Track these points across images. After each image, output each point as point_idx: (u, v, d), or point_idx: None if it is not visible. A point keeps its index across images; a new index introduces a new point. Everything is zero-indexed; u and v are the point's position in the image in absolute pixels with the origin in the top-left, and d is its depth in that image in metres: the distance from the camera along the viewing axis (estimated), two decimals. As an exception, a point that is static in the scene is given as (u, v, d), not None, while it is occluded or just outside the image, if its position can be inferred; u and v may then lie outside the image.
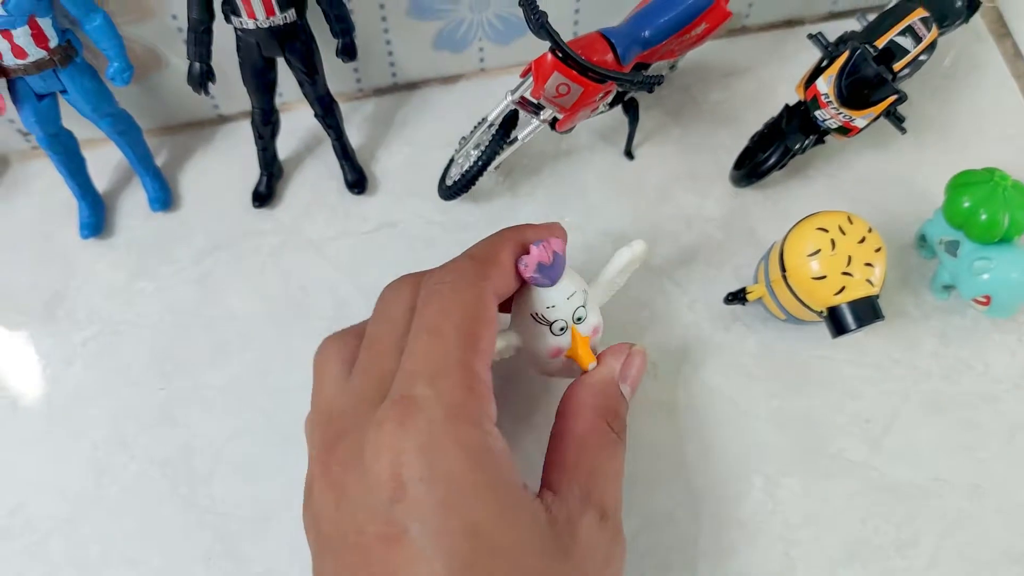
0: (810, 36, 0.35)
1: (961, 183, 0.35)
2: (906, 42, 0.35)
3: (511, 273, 0.32)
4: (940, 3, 0.36)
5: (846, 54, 0.34)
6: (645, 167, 0.40)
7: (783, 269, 0.33)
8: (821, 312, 0.33)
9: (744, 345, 0.35)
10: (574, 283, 0.33)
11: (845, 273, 0.32)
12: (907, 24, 0.35)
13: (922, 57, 0.36)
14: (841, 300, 0.32)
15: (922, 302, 0.36)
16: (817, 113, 0.35)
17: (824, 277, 0.32)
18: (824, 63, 0.35)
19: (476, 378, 0.28)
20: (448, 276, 0.31)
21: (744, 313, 0.36)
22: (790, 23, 0.43)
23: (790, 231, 0.33)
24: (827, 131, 0.36)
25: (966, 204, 0.34)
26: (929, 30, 0.35)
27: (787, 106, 0.36)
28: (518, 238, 0.33)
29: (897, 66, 0.35)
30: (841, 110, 0.34)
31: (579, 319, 0.33)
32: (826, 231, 0.32)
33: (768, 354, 0.35)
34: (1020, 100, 0.40)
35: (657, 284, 0.38)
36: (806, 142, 0.36)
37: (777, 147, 0.37)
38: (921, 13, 0.35)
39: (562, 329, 0.33)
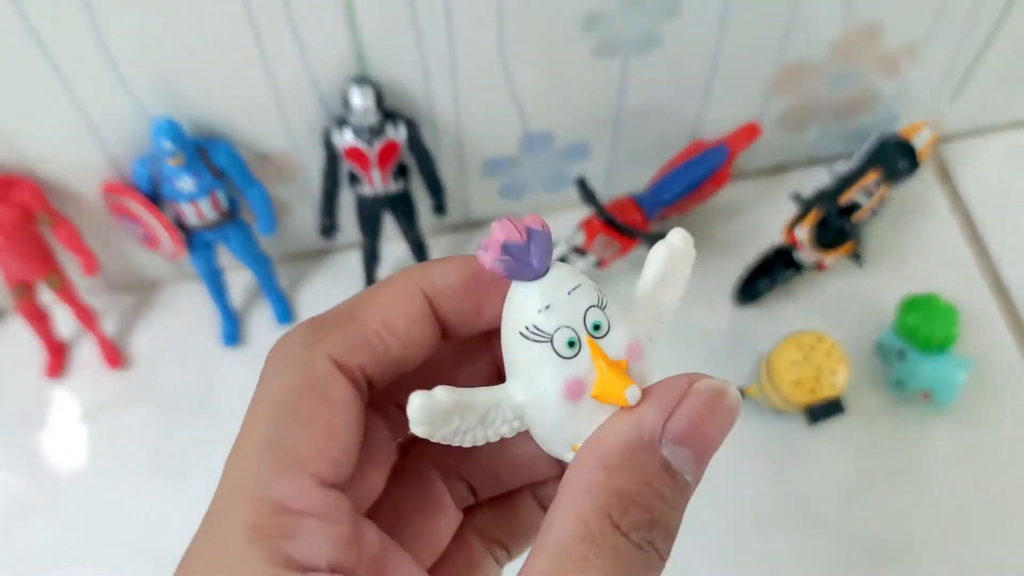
0: (791, 196, 0.46)
1: (908, 304, 0.46)
2: (864, 198, 0.46)
3: (400, 325, 0.22)
4: (890, 165, 0.47)
5: (817, 212, 0.45)
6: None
7: (770, 375, 0.43)
8: (799, 408, 0.43)
9: (742, 431, 0.46)
10: (578, 277, 0.22)
11: (816, 379, 0.43)
12: (864, 184, 0.46)
13: (876, 208, 0.47)
14: (813, 399, 0.43)
15: (881, 396, 0.47)
16: (795, 254, 0.46)
17: (799, 382, 0.43)
18: (801, 214, 0.46)
19: (272, 511, 0.19)
20: (275, 348, 0.22)
21: (744, 406, 0.47)
22: (778, 169, 0.54)
23: (775, 347, 0.44)
24: (804, 266, 0.47)
25: (911, 321, 0.45)
26: (879, 188, 0.47)
27: (775, 246, 0.47)
28: (413, 277, 0.23)
29: (856, 217, 0.46)
30: (814, 253, 0.45)
31: (596, 327, 0.22)
32: (801, 347, 0.43)
33: (760, 437, 0.46)
34: (958, 234, 0.51)
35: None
36: (788, 272, 0.47)
37: (769, 277, 0.47)
38: (874, 176, 0.46)
39: (572, 344, 0.22)
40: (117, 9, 0.35)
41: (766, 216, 0.51)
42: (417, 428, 0.21)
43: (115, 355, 0.48)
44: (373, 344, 0.22)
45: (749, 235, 0.51)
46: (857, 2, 0.43)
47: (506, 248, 0.22)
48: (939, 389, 0.44)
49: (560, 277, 0.22)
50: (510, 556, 0.26)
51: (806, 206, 0.45)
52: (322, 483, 0.20)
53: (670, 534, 0.20)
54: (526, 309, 0.22)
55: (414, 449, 0.25)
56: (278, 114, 0.41)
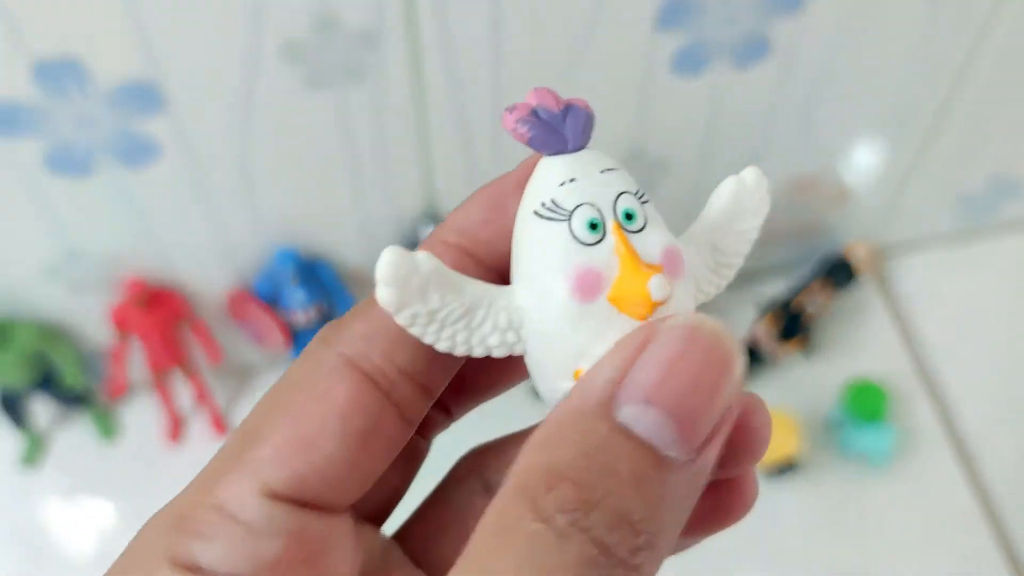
0: (754, 302, 0.59)
1: (850, 387, 0.58)
2: (813, 303, 0.59)
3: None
4: (833, 277, 0.60)
5: (775, 314, 0.58)
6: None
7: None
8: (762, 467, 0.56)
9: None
10: (618, 164, 0.19)
11: (774, 444, 0.55)
12: (812, 292, 0.59)
13: (823, 310, 0.60)
14: (772, 459, 0.55)
15: (829, 458, 0.59)
16: (758, 347, 0.59)
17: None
18: (762, 316, 0.59)
19: (203, 505, 0.18)
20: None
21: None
22: (745, 278, 0.67)
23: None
24: (765, 357, 0.59)
25: (852, 400, 0.57)
26: (825, 295, 0.60)
27: (743, 341, 0.60)
28: (437, 233, 0.20)
29: (806, 318, 0.59)
30: (773, 346, 0.58)
31: (629, 216, 0.18)
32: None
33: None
34: (890, 329, 0.64)
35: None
36: (752, 364, 0.60)
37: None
38: (820, 285, 0.60)
39: (594, 227, 0.17)
40: (265, 179, 0.49)
41: (735, 317, 0.64)
42: (383, 291, 0.17)
43: (223, 424, 0.60)
44: (393, 330, 0.18)
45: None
46: (802, 156, 0.57)
47: (536, 112, 0.18)
48: (874, 453, 0.57)
49: (595, 157, 0.18)
50: None
51: (766, 309, 0.58)
52: (268, 493, 0.17)
53: (626, 524, 0.15)
54: (546, 183, 0.18)
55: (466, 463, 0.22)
56: (367, 242, 0.54)
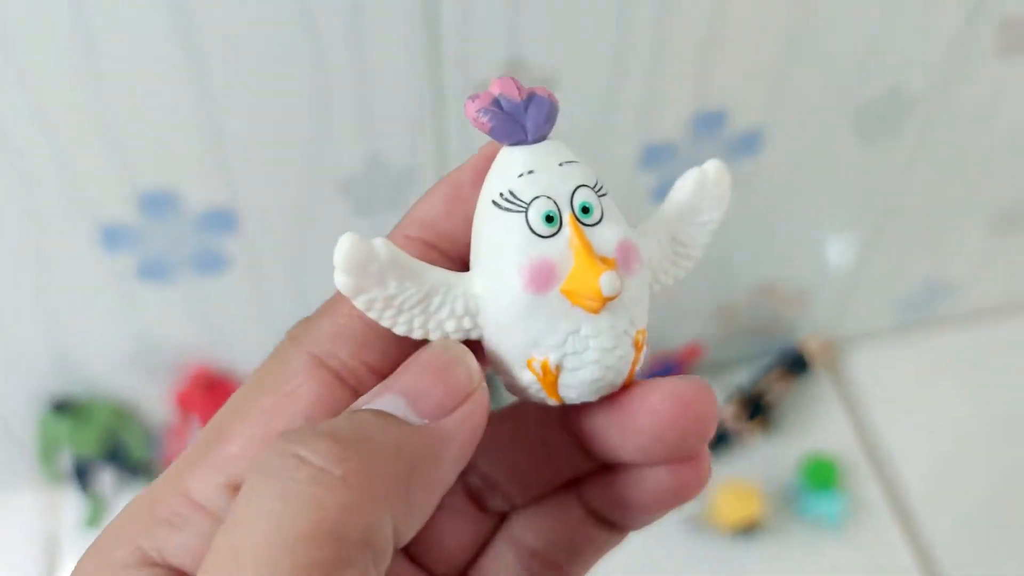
0: (723, 389, 0.69)
1: (806, 460, 0.68)
2: (772, 388, 0.69)
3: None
4: (789, 367, 0.70)
5: (739, 399, 0.68)
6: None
7: (712, 506, 0.65)
8: (730, 528, 0.65)
9: (685, 547, 0.67)
10: (577, 157, 0.19)
11: (742, 509, 0.64)
12: (771, 379, 0.69)
13: (782, 394, 0.70)
14: (737, 524, 0.64)
15: (789, 521, 0.68)
16: (724, 427, 0.69)
17: (731, 510, 0.64)
18: (727, 400, 0.69)
19: (173, 494, 0.18)
20: None
21: (696, 531, 0.68)
22: (713, 367, 0.76)
23: (715, 489, 0.66)
24: (730, 436, 0.69)
25: (809, 470, 0.67)
26: (782, 379, 0.70)
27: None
28: (400, 228, 0.20)
29: (766, 402, 0.69)
30: (737, 425, 0.68)
31: (585, 210, 0.18)
32: (733, 489, 0.65)
33: (700, 551, 0.67)
34: (840, 410, 0.74)
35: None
36: (719, 442, 0.70)
37: (712, 446, 0.69)
38: (779, 373, 0.70)
39: (550, 219, 0.18)
40: (318, 288, 0.58)
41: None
42: (340, 277, 0.18)
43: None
44: (357, 325, 0.19)
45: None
46: (762, 265, 0.67)
47: (498, 102, 0.18)
48: (827, 518, 0.66)
49: (555, 148, 0.18)
50: (563, 575, 0.22)
51: (731, 395, 0.68)
52: (235, 488, 0.18)
53: (328, 438, 0.16)
54: (505, 174, 0.18)
55: None
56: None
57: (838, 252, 0.68)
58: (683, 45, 0.49)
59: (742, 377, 0.71)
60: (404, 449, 0.17)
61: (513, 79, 0.18)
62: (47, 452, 0.63)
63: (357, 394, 0.19)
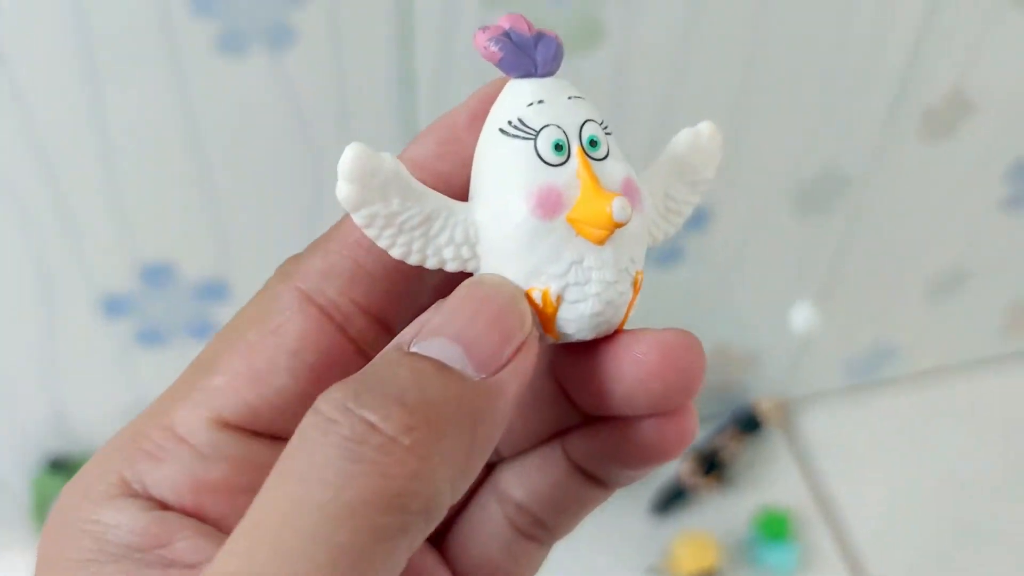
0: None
1: (760, 514, 0.72)
2: (727, 445, 0.74)
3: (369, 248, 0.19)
4: (743, 426, 0.75)
5: (695, 457, 0.72)
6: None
7: (673, 556, 0.69)
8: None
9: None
10: (583, 94, 0.19)
11: (700, 559, 0.69)
12: (725, 437, 0.74)
13: (736, 451, 0.74)
14: (696, 574, 0.68)
15: (746, 571, 0.72)
16: (682, 482, 0.73)
17: (690, 560, 0.68)
18: (685, 458, 0.73)
19: (155, 426, 0.18)
20: None
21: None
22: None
23: (674, 540, 0.70)
24: (687, 492, 0.73)
25: (761, 523, 0.71)
26: (736, 438, 0.74)
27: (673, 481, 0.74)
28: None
29: (721, 459, 0.73)
30: (694, 481, 0.72)
31: (593, 143, 0.18)
32: (692, 540, 0.69)
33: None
34: (793, 465, 0.78)
35: None
36: (677, 497, 0.74)
37: (671, 500, 0.74)
38: (733, 431, 0.74)
39: (559, 148, 0.18)
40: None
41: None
42: (344, 187, 0.17)
43: None
44: (348, 263, 0.19)
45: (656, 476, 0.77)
46: (717, 330, 0.72)
47: (508, 34, 0.18)
48: (781, 567, 0.70)
49: (563, 84, 0.19)
50: (547, 531, 0.22)
51: (688, 453, 0.73)
52: (219, 421, 0.18)
53: (395, 403, 0.16)
54: (514, 102, 0.18)
55: None
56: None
57: (786, 315, 0.73)
58: (635, 126, 0.55)
59: (698, 436, 0.76)
60: (466, 411, 0.16)
61: (522, 16, 0.18)
62: (42, 510, 0.66)
63: (344, 331, 0.19)
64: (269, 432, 0.19)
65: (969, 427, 0.81)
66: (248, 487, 0.18)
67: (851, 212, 0.66)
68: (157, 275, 0.56)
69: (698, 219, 0.61)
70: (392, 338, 0.18)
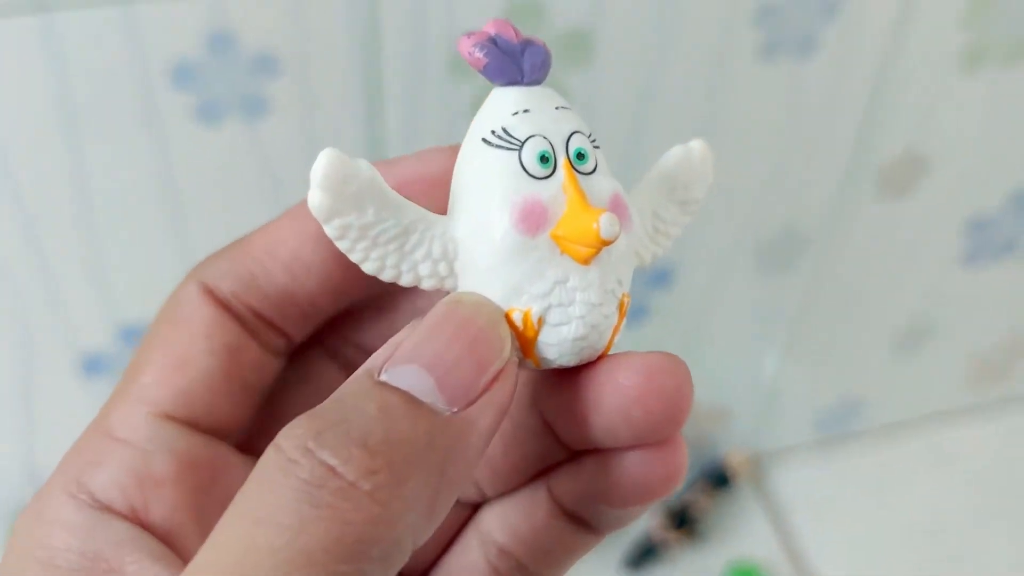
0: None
1: (730, 566, 0.73)
2: (698, 499, 0.75)
3: (283, 248, 0.19)
4: (712, 481, 0.76)
5: (665, 512, 0.73)
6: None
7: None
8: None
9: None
10: (570, 105, 0.18)
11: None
12: (696, 492, 0.75)
13: (706, 506, 0.75)
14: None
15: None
16: (653, 540, 0.74)
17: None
18: (655, 513, 0.74)
19: (97, 435, 0.19)
20: None
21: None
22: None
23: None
24: (657, 547, 0.74)
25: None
26: (706, 492, 0.76)
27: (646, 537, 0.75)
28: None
29: (691, 513, 0.74)
30: (664, 535, 0.73)
31: (580, 155, 0.18)
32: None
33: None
34: (763, 519, 0.79)
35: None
36: (647, 554, 0.74)
37: (643, 556, 0.75)
38: (703, 486, 0.76)
39: (544, 160, 0.17)
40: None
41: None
42: (315, 195, 0.16)
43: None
44: (251, 270, 0.20)
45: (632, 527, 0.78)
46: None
47: (494, 40, 0.17)
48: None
49: (550, 93, 0.18)
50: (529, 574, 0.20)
51: (658, 508, 0.74)
52: (156, 412, 0.19)
53: (358, 445, 0.15)
54: (498, 111, 0.17)
55: None
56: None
57: (754, 371, 0.75)
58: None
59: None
60: (435, 450, 0.15)
61: (508, 21, 0.17)
62: (18, 568, 0.67)
63: (244, 324, 0.20)
64: (203, 422, 0.20)
65: (937, 478, 0.82)
66: (193, 482, 0.18)
67: (813, 269, 0.68)
68: (136, 335, 0.57)
69: (661, 277, 0.63)
70: (289, 343, 0.20)
